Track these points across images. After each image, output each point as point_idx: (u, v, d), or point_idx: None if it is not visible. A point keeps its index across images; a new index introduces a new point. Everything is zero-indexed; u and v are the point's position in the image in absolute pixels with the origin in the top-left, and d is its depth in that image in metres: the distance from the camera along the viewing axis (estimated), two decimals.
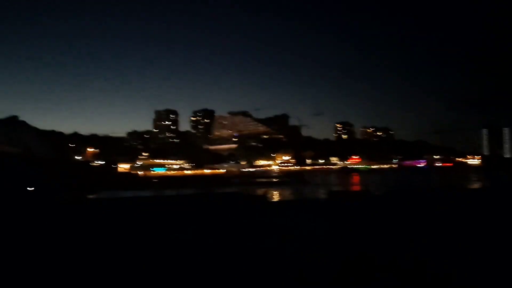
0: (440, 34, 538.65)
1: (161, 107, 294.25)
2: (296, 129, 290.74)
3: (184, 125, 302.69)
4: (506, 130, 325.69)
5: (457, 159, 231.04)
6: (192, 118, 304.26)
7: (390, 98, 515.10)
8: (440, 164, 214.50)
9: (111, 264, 9.81)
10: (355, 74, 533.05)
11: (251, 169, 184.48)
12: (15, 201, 29.43)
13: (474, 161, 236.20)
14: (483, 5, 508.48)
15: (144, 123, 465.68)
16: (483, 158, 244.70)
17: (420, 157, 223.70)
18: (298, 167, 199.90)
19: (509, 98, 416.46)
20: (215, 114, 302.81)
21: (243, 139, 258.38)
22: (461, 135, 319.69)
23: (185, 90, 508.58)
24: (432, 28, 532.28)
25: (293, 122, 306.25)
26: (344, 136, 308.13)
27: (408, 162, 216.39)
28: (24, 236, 13.53)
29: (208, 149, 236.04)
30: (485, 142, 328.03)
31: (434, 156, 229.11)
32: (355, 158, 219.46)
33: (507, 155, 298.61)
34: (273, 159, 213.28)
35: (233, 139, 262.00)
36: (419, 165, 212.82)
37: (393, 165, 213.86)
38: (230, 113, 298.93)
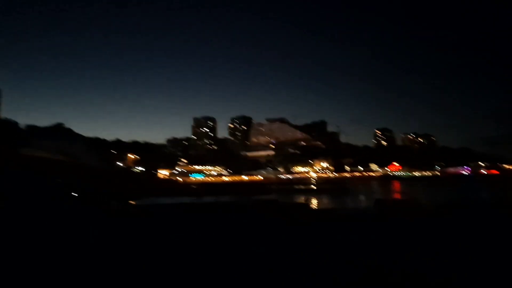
0: (484, 39, 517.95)
1: (199, 115, 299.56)
2: (335, 135, 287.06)
3: (222, 132, 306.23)
4: None
5: (505, 166, 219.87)
6: (230, 125, 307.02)
7: (433, 105, 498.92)
8: (486, 172, 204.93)
9: (153, 269, 9.72)
10: (395, 80, 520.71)
11: (289, 176, 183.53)
12: (61, 208, 30.34)
13: None
14: None
15: (183, 131, 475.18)
16: None
17: (464, 165, 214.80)
18: (337, 174, 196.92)
19: None
20: (252, 121, 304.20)
21: (280, 146, 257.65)
22: (508, 141, 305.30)
23: (223, 98, 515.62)
24: (476, 33, 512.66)
25: (331, 128, 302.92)
26: (383, 143, 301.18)
27: (451, 170, 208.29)
28: (65, 243, 13.71)
29: (246, 156, 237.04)
30: None
31: (480, 163, 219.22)
32: (395, 165, 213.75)
33: None
34: (311, 166, 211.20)
35: (271, 146, 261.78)
36: (463, 173, 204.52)
37: (436, 172, 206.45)
38: (267, 120, 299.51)
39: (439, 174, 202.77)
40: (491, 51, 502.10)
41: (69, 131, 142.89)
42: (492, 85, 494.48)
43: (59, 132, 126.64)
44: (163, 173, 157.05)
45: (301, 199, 45.81)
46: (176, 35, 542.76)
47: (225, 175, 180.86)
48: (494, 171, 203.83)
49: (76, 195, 51.74)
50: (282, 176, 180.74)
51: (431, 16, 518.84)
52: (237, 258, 10.94)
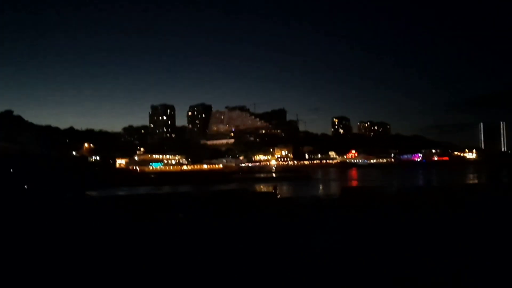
0: (437, 30, 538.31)
1: (157, 102, 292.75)
2: (294, 124, 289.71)
3: (181, 120, 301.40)
4: (502, 124, 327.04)
5: (453, 153, 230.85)
6: (189, 113, 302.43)
7: (388, 93, 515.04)
8: (437, 159, 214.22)
9: (110, 264, 9.33)
10: (352, 69, 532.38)
11: (249, 164, 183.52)
12: (10, 200, 28.31)
13: (471, 155, 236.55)
14: (482, 4, 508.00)
15: (141, 119, 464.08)
16: (480, 153, 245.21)
17: (417, 152, 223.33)
18: (297, 162, 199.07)
19: (506, 93, 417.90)
20: (212, 109, 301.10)
21: (240, 134, 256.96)
22: (458, 129, 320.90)
23: (182, 85, 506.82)
24: (429, 24, 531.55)
25: (290, 117, 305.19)
26: (341, 131, 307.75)
27: (405, 157, 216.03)
28: (18, 236, 12.65)
29: (205, 144, 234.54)
30: (482, 137, 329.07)
31: (431, 151, 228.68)
32: (353, 153, 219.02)
33: (504, 149, 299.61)
34: (271, 154, 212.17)
35: (231, 134, 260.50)
36: (416, 160, 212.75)
37: (391, 159, 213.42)
38: (227, 108, 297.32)
39: (393, 160, 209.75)
40: (445, 42, 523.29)
41: (19, 118, 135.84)
42: (446, 76, 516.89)
43: (7, 119, 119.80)
44: (120, 162, 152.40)
45: (269, 187, 45.42)
46: (133, 22, 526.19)
47: (184, 164, 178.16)
48: (445, 158, 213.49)
49: (27, 187, 48.75)
50: (243, 165, 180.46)
51: (388, 6, 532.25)
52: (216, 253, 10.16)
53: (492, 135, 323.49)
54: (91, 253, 10.36)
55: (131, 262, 9.50)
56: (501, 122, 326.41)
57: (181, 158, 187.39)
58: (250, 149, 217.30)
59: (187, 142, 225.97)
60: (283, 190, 37.71)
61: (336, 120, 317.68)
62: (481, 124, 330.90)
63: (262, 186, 50.11)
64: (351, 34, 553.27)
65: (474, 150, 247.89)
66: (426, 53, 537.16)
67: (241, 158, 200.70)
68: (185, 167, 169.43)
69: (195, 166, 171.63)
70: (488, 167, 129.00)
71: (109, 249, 10.95)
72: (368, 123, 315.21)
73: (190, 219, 16.97)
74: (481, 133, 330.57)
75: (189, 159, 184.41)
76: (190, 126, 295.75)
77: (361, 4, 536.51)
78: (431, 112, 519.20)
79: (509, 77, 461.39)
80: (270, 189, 40.64)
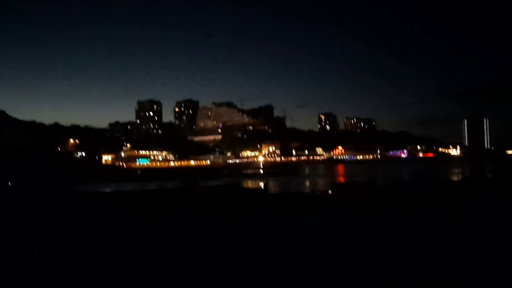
0: (421, 27, 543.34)
1: (144, 98, 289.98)
2: (281, 120, 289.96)
3: (168, 116, 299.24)
4: (486, 121, 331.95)
5: (438, 149, 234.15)
6: (176, 109, 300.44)
7: (374, 90, 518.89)
8: (422, 155, 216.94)
9: (98, 262, 9.17)
10: (339, 65, 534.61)
11: (237, 161, 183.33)
12: None
13: (456, 151, 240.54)
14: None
15: (127, 114, 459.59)
16: (464, 149, 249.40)
17: (402, 148, 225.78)
18: (284, 158, 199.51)
19: (490, 89, 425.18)
20: (199, 104, 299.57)
21: (228, 130, 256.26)
22: (443, 126, 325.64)
23: (169, 81, 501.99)
24: (414, 20, 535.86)
25: (278, 113, 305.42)
26: (327, 127, 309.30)
27: (391, 153, 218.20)
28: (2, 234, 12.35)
29: (192, 140, 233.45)
30: (465, 133, 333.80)
31: (417, 147, 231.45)
32: (340, 149, 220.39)
33: (487, 146, 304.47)
34: (259, 150, 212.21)
35: (218, 130, 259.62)
36: (402, 156, 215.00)
37: (377, 156, 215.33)
38: (214, 103, 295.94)
39: (379, 157, 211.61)
40: (430, 38, 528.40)
41: (2, 114, 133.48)
42: (433, 70, 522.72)
43: None
44: (106, 158, 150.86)
45: (260, 183, 45.32)
46: (120, 16, 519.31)
47: (171, 160, 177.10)
48: (430, 154, 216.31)
49: (10, 183, 47.81)
50: (230, 161, 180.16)
51: (373, 2, 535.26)
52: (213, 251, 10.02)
53: (476, 131, 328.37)
54: (78, 251, 10.12)
55: (120, 261, 9.29)
56: (484, 119, 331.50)
57: (168, 154, 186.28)
58: (237, 145, 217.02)
59: (174, 138, 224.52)
60: (273, 186, 37.73)
61: (323, 117, 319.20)
62: (465, 120, 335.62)
63: (252, 183, 49.93)
64: (339, 29, 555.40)
65: (458, 147, 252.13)
66: (413, 47, 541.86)
67: (228, 154, 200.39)
68: (172, 163, 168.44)
69: (182, 162, 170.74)
70: (472, 163, 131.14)
71: (97, 247, 10.71)
72: (355, 120, 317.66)
73: (180, 216, 16.76)
74: (465, 130, 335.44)
75: (176, 155, 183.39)
76: (177, 122, 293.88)
77: (348, 4, 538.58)
78: (417, 106, 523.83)
79: (495, 72, 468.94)
80: (260, 185, 40.57)
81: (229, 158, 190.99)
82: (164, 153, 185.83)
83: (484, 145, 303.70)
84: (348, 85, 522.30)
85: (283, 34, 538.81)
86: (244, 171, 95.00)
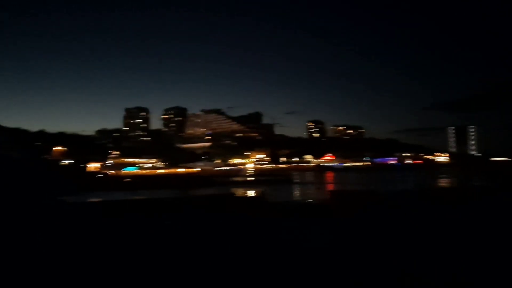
0: (411, 36, 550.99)
1: (131, 105, 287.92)
2: (270, 127, 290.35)
3: (156, 123, 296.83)
4: (471, 128, 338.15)
5: (426, 156, 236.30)
6: (164, 116, 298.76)
7: (362, 97, 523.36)
8: (411, 162, 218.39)
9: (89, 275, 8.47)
10: (327, 73, 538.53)
11: (226, 168, 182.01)
12: None
13: (442, 158, 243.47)
14: (459, 7, 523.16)
15: (114, 121, 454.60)
16: (451, 156, 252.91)
17: (391, 155, 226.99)
18: (274, 165, 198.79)
19: (477, 99, 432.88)
20: (187, 112, 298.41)
21: (216, 137, 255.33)
22: (430, 133, 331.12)
23: (157, 88, 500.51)
24: (403, 29, 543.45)
25: (266, 120, 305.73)
26: (315, 135, 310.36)
27: (380, 160, 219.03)
28: None
29: (181, 148, 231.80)
30: (452, 140, 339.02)
31: (405, 154, 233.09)
32: (329, 156, 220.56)
33: (472, 152, 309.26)
34: (248, 157, 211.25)
35: (207, 137, 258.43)
36: (391, 163, 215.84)
37: (366, 163, 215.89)
38: (203, 111, 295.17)
39: (370, 164, 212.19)
40: (419, 47, 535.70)
41: None
42: (421, 79, 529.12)
43: None
44: (93, 166, 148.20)
45: (256, 192, 44.35)
46: (108, 23, 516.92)
47: (160, 167, 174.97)
48: (419, 161, 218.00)
49: None
50: (220, 168, 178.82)
51: (361, 9, 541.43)
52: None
53: (463, 139, 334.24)
54: (66, 264, 9.23)
55: (113, 274, 8.46)
56: (470, 127, 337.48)
57: (157, 162, 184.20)
58: (226, 153, 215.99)
59: (162, 145, 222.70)
60: (268, 194, 36.95)
61: (311, 124, 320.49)
62: (453, 128, 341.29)
63: (246, 191, 48.86)
64: (327, 38, 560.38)
65: (447, 154, 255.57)
66: (401, 56, 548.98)
67: (217, 161, 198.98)
68: (161, 171, 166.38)
69: (171, 169, 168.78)
70: (460, 169, 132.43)
71: (87, 260, 9.76)
72: (343, 127, 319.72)
73: (179, 227, 15.79)
74: (452, 137, 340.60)
75: (165, 163, 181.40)
76: (166, 129, 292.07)
77: (337, 7, 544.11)
78: (406, 114, 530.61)
79: (482, 82, 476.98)
80: (256, 193, 39.64)
81: (219, 165, 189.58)
82: (152, 160, 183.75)
83: (471, 152, 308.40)
84: (336, 92, 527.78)
85: (272, 42, 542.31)
86: (235, 179, 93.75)
